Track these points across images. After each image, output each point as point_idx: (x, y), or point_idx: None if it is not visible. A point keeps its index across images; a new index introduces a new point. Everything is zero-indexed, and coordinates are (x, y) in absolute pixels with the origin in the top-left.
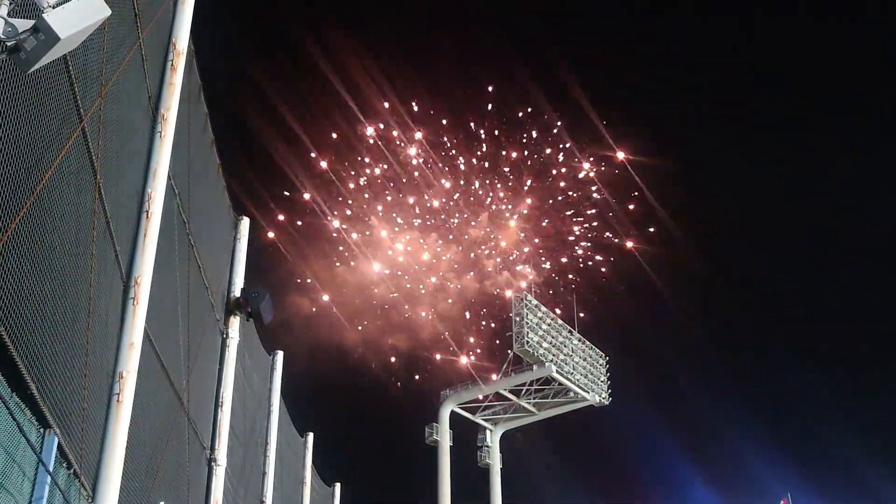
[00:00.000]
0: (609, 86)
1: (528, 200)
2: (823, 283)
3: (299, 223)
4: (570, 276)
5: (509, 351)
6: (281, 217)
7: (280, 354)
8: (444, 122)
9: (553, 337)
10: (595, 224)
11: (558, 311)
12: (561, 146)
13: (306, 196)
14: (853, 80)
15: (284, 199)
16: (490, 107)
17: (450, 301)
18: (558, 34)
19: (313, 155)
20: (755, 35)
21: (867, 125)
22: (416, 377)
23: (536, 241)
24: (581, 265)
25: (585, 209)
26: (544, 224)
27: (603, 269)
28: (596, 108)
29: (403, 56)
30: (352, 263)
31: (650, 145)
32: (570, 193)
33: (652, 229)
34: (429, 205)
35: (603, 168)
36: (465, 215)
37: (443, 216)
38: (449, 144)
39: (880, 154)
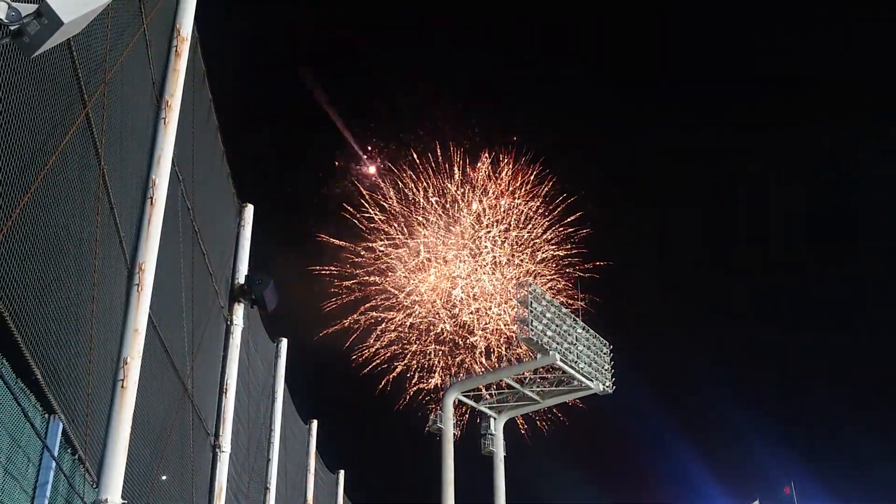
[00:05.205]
0: None
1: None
2: (827, 274)
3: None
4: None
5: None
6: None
7: (284, 342)
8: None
9: (557, 325)
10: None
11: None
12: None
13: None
14: None
15: (289, 188)
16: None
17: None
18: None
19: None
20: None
21: None
22: (419, 368)
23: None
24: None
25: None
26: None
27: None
28: None
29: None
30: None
31: None
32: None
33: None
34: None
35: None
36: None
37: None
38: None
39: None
